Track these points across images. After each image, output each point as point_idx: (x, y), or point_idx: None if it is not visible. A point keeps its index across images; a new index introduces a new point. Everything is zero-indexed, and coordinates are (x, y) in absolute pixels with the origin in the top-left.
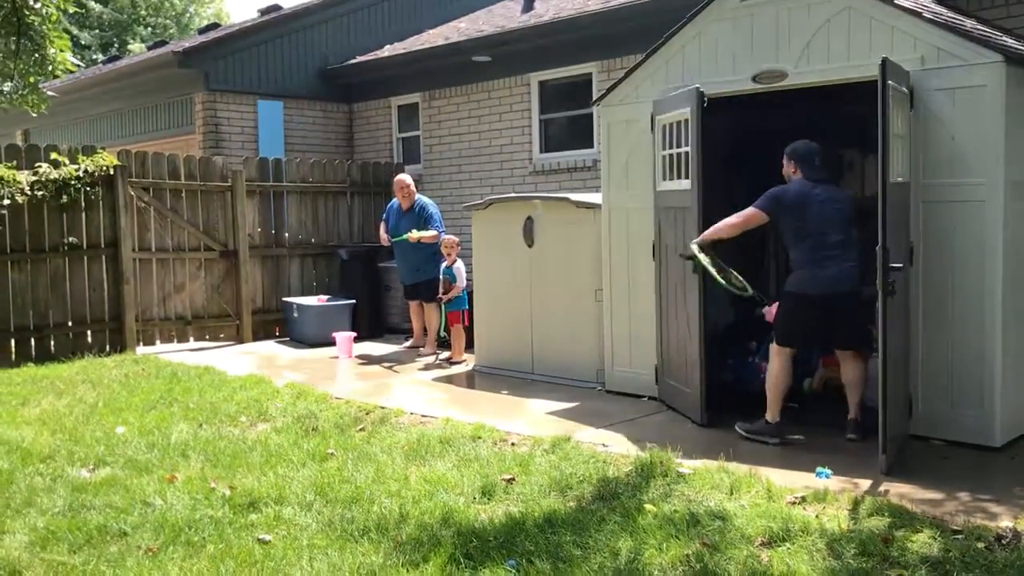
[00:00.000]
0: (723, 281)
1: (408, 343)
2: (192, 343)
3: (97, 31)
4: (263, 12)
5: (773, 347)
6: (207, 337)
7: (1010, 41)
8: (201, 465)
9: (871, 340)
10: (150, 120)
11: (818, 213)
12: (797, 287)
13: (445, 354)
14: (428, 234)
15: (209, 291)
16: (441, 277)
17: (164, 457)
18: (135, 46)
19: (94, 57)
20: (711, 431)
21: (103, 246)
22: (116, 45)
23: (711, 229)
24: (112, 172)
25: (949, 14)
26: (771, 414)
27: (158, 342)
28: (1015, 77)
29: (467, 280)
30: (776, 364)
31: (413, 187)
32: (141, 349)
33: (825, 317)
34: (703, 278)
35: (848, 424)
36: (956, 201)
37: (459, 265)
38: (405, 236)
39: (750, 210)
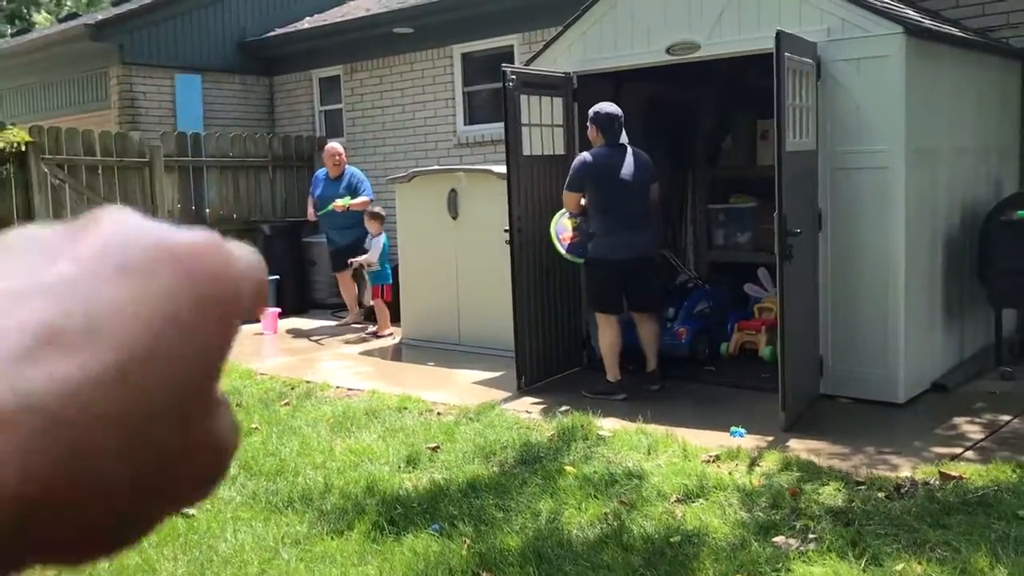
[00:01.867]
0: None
1: (348, 319)
2: None
3: (3, 2)
4: None
5: (598, 315)
6: None
7: (912, 12)
8: None
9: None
10: (63, 95)
11: (618, 181)
12: (602, 253)
13: (372, 328)
14: (358, 200)
15: None
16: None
17: None
18: (40, 17)
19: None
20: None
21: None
22: (24, 17)
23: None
24: (24, 149)
25: None
26: (611, 374)
27: None
28: (915, 48)
29: (389, 256)
30: (602, 329)
31: (344, 156)
32: None
33: (629, 282)
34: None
35: (651, 376)
36: (862, 168)
37: (380, 239)
38: (331, 206)
39: (565, 193)
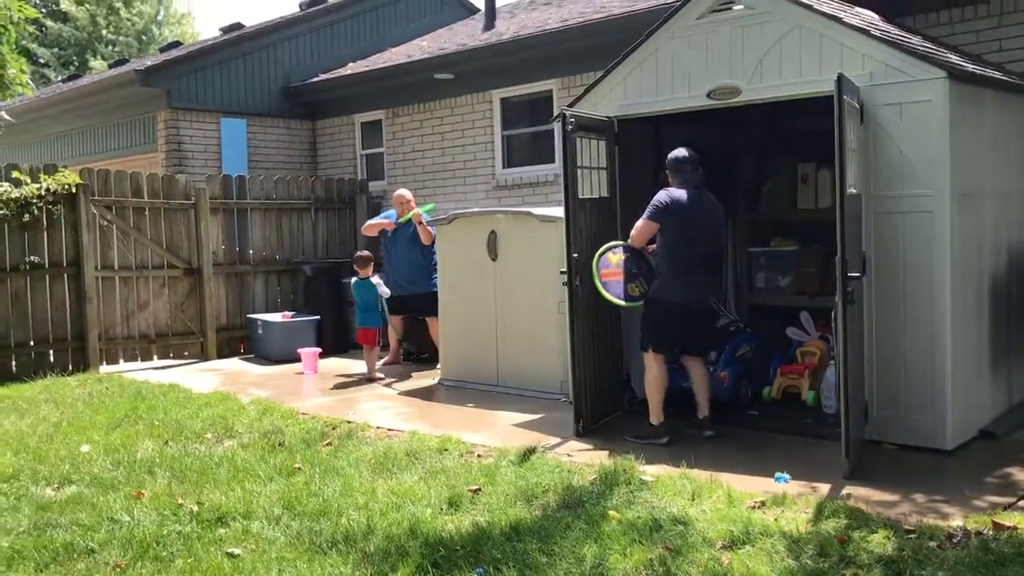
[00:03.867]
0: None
1: (383, 360)
2: (156, 361)
3: (56, 49)
4: (225, 30)
5: (648, 354)
6: (171, 355)
7: (954, 57)
8: (168, 481)
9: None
10: (112, 138)
11: (698, 222)
12: (669, 294)
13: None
14: (427, 227)
15: (173, 309)
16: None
17: (130, 474)
18: (96, 63)
19: (53, 75)
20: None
21: (65, 265)
22: (76, 63)
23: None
24: (74, 190)
25: (896, 31)
26: (655, 417)
27: (122, 361)
28: (958, 92)
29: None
30: (651, 370)
31: (413, 202)
32: (104, 368)
33: (691, 324)
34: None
35: (703, 423)
36: (906, 212)
37: (375, 279)
38: (410, 214)
39: (644, 221)
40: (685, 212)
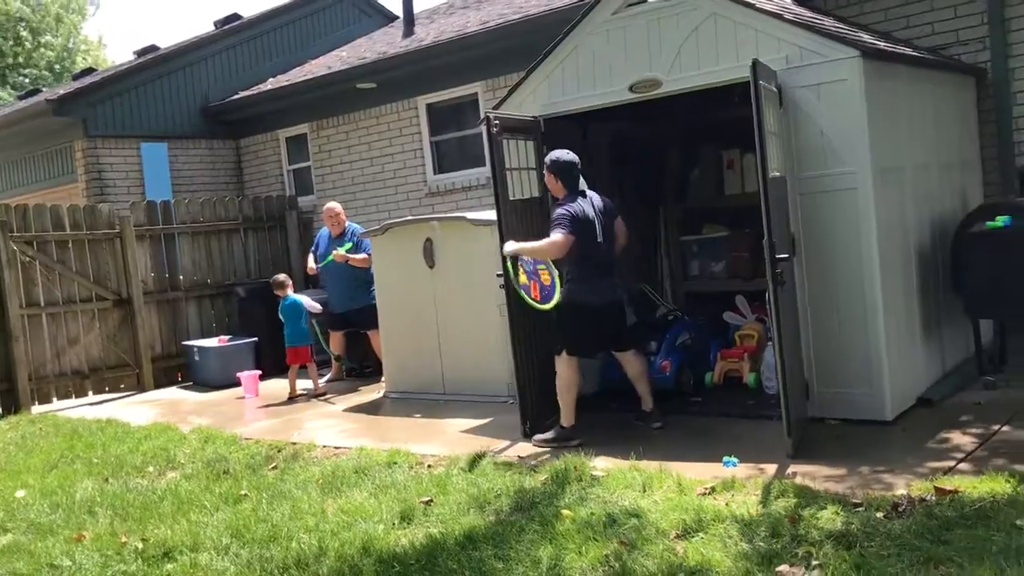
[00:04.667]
0: (523, 295)
1: (326, 378)
2: (91, 397)
3: None
4: (139, 54)
5: (560, 357)
6: (107, 389)
7: (865, 36)
8: (110, 520)
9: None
10: (29, 171)
11: (592, 228)
12: (580, 298)
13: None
14: (358, 256)
15: (105, 342)
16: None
17: (70, 516)
18: (2, 93)
19: None
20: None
21: None
22: None
23: (534, 246)
24: None
25: (809, 14)
26: (566, 420)
27: (55, 399)
28: (872, 69)
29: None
30: (565, 372)
31: (343, 215)
32: (37, 408)
33: (607, 324)
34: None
35: (650, 415)
36: (830, 191)
37: (301, 297)
38: (331, 256)
39: (564, 235)
40: (587, 220)
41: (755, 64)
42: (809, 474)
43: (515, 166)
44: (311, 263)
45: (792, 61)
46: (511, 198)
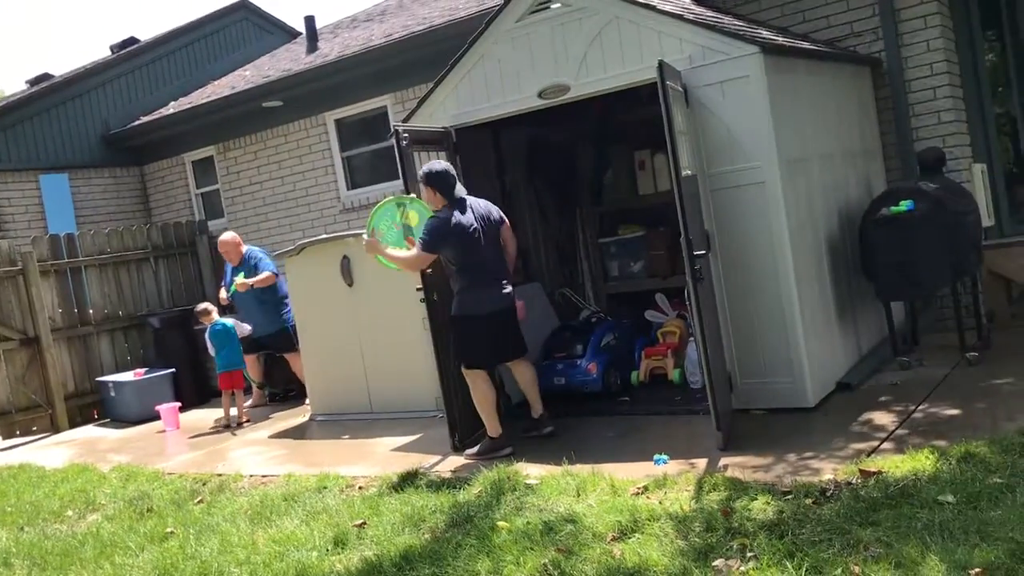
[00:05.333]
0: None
1: (247, 404)
2: (1, 442)
3: None
4: (32, 83)
5: (467, 372)
6: (18, 433)
7: (764, 32)
8: (28, 571)
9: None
10: None
11: (472, 237)
12: (467, 310)
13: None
14: (259, 277)
15: (13, 383)
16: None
17: None
18: None
19: None
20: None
21: None
22: None
23: (393, 255)
24: None
25: (709, 14)
26: (492, 430)
27: None
28: (773, 64)
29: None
30: (475, 384)
31: (241, 244)
32: None
33: (500, 332)
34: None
35: (539, 421)
36: (739, 186)
37: (230, 321)
38: (233, 287)
39: (419, 252)
40: (462, 231)
41: (661, 65)
42: (739, 465)
43: None
44: (223, 294)
45: (695, 60)
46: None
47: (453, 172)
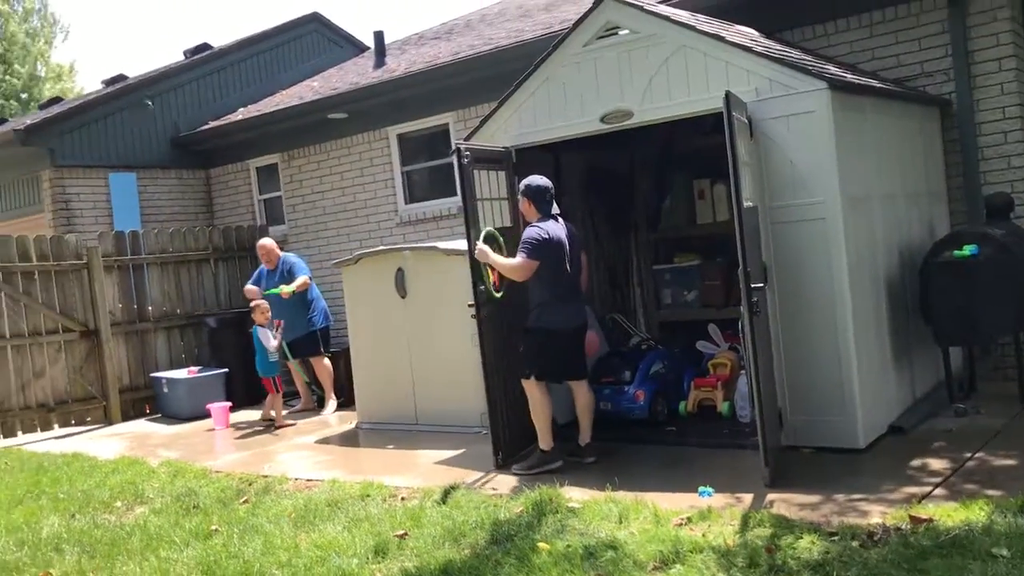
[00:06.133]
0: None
1: (295, 408)
2: (57, 430)
3: None
4: (108, 83)
5: (528, 382)
6: (73, 422)
7: (832, 68)
8: (77, 558)
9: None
10: None
11: (563, 252)
12: (549, 323)
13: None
14: (297, 283)
15: (72, 374)
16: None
17: (36, 554)
18: None
19: None
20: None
21: None
22: None
23: (499, 261)
24: None
25: (777, 47)
26: (545, 443)
27: (20, 432)
28: (840, 101)
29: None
30: (536, 396)
31: (276, 249)
32: (1, 442)
33: (572, 349)
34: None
35: (584, 450)
36: (800, 220)
37: (261, 330)
38: (275, 291)
39: (524, 260)
40: (557, 244)
41: (728, 96)
42: (785, 502)
43: (487, 196)
44: (249, 285)
45: (762, 93)
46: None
47: (552, 190)
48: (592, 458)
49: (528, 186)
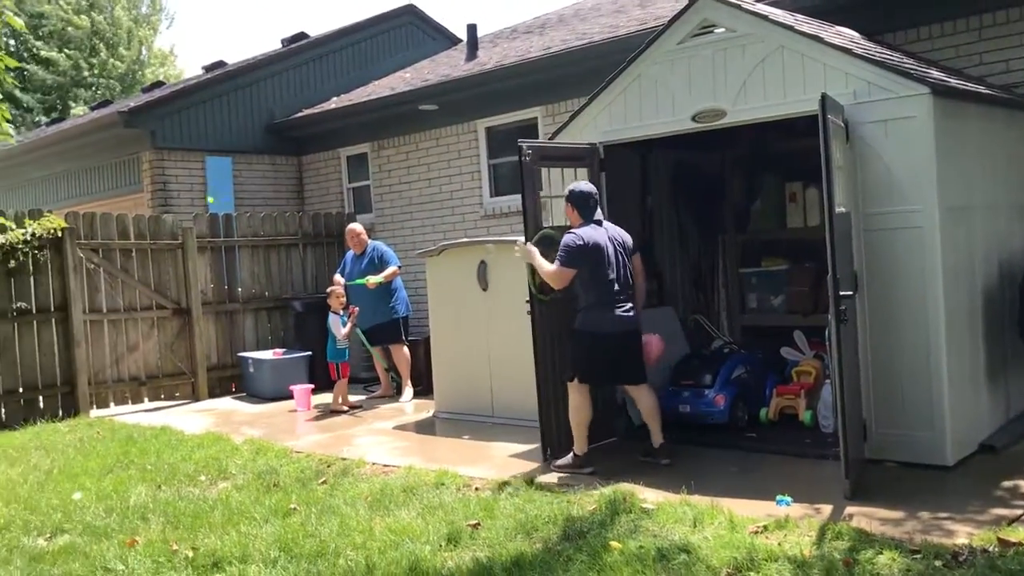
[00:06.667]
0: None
1: (375, 394)
2: (147, 404)
3: (39, 94)
4: (208, 69)
5: (571, 384)
6: (162, 397)
7: (936, 73)
8: (162, 527)
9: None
10: (97, 181)
11: (605, 257)
12: (592, 327)
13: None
14: (387, 272)
15: (163, 350)
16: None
17: (123, 521)
18: (78, 109)
19: (37, 120)
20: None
21: (53, 309)
22: (59, 107)
23: (540, 266)
24: (60, 235)
25: (878, 49)
26: (579, 447)
27: (112, 404)
28: (942, 107)
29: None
30: (576, 400)
31: (365, 234)
32: (95, 412)
33: (618, 353)
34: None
35: (658, 452)
36: (895, 228)
37: (332, 317)
38: (362, 280)
39: (559, 268)
40: (596, 249)
41: (824, 98)
42: (866, 516)
43: (558, 193)
44: (338, 277)
45: (860, 96)
46: (553, 224)
47: (595, 196)
48: (666, 460)
49: (571, 192)
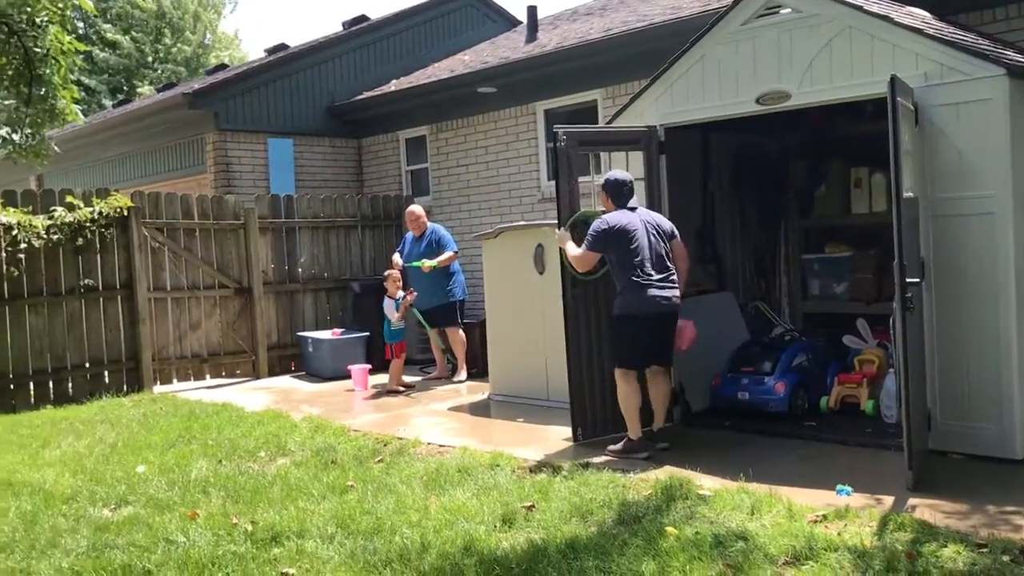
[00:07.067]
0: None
1: (433, 373)
2: (209, 380)
3: (105, 76)
4: (270, 51)
5: (616, 371)
6: (223, 374)
7: (1012, 54)
8: (222, 501)
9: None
10: (162, 161)
11: (636, 241)
12: (627, 309)
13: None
14: (442, 257)
15: (224, 328)
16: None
17: (185, 494)
18: (144, 89)
19: (103, 102)
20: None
21: (119, 287)
22: (125, 89)
23: (571, 251)
24: (126, 213)
25: (951, 30)
26: (633, 432)
27: (175, 380)
28: (1018, 90)
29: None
30: (623, 387)
31: (424, 217)
32: (158, 388)
33: (655, 335)
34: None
35: (656, 435)
36: (965, 215)
37: (387, 300)
38: (418, 263)
39: (584, 251)
40: (625, 233)
41: (893, 80)
42: (929, 508)
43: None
44: (397, 259)
45: (931, 78)
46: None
47: (630, 185)
48: (664, 444)
49: (607, 180)
